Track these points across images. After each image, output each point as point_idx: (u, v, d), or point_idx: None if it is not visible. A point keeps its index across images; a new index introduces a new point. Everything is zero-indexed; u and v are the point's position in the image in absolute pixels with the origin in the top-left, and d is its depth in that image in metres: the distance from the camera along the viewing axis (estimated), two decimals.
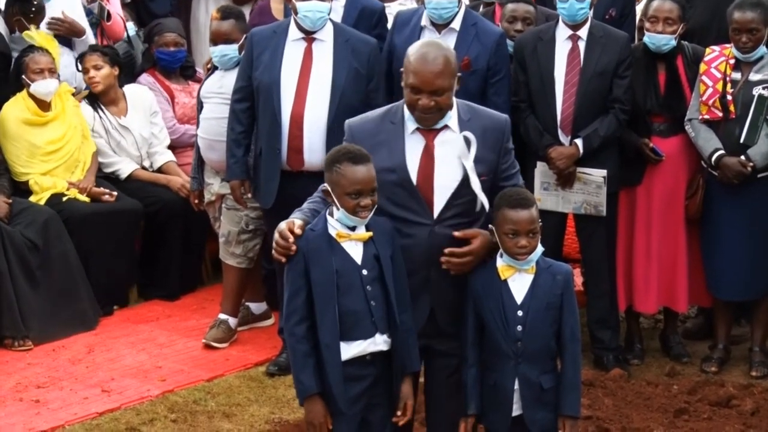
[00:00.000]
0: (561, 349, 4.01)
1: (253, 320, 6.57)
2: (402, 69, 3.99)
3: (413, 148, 3.99)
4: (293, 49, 5.65)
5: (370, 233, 3.87)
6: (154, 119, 7.16)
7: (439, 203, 3.98)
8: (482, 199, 3.96)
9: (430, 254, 3.97)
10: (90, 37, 7.31)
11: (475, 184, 3.94)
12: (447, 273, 4.00)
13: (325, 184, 3.87)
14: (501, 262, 4.02)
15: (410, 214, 3.97)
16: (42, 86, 6.68)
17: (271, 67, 5.61)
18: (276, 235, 3.82)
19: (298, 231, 3.81)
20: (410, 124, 3.98)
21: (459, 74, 3.99)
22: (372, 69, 5.66)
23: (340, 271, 3.84)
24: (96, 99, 7.04)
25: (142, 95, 7.16)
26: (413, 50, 3.97)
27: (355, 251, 3.88)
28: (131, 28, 7.66)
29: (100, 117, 7.00)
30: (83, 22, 7.34)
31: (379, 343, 3.90)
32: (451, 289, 4.04)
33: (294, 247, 3.79)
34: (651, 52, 5.88)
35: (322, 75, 5.62)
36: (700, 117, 5.79)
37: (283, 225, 3.83)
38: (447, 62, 3.91)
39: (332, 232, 3.86)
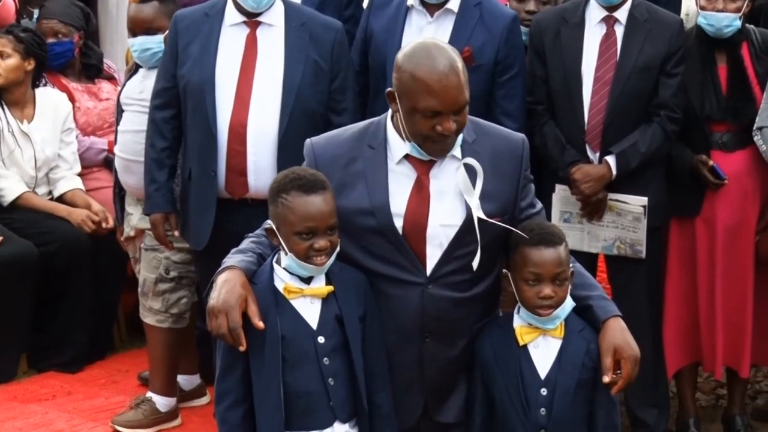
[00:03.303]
0: None
1: (183, 399, 5.70)
2: (391, 88, 3.54)
3: (400, 182, 3.60)
4: (231, 37, 5.04)
5: (331, 287, 3.53)
6: (67, 137, 6.37)
7: (433, 255, 3.59)
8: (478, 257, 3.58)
9: (422, 323, 3.60)
10: None
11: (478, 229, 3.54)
12: (444, 347, 3.66)
13: (269, 221, 3.55)
14: (519, 321, 3.64)
15: (395, 269, 3.60)
16: None
17: (203, 61, 5.01)
18: (222, 321, 3.40)
19: (260, 324, 3.42)
20: (397, 150, 3.59)
21: None
22: (337, 62, 5.08)
23: (288, 338, 3.50)
24: None
25: (57, 104, 6.37)
26: (414, 61, 3.52)
27: (310, 311, 3.54)
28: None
29: None
30: None
31: None
32: (450, 367, 3.71)
33: (243, 348, 3.44)
34: (708, 38, 5.19)
35: (271, 70, 5.01)
36: None
37: (235, 313, 3.40)
38: (462, 67, 3.52)
39: (279, 285, 3.53)
